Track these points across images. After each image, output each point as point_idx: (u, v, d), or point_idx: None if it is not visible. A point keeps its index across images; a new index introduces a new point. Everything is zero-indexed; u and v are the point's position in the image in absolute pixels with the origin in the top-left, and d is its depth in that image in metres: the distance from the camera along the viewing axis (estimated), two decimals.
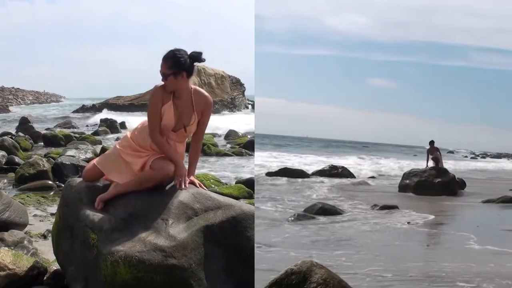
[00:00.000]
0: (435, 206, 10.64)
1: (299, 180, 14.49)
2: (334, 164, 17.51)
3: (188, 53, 3.55)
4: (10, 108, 43.94)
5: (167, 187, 3.56)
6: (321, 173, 15.93)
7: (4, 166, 10.59)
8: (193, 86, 3.65)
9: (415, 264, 5.27)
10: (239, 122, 26.31)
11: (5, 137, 14.12)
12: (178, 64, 3.50)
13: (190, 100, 3.61)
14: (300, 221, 7.33)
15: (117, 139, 4.05)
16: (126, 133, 3.83)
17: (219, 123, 23.58)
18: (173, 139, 3.62)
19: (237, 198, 6.89)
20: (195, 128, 3.68)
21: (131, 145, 3.64)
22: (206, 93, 3.71)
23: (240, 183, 9.34)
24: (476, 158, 46.29)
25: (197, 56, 3.56)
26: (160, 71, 3.53)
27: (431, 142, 13.95)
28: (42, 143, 17.00)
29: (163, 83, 3.57)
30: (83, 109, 40.10)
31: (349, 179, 15.62)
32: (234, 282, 3.30)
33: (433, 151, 13.85)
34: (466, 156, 50.03)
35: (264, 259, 5.06)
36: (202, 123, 3.71)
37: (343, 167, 16.77)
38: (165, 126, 3.57)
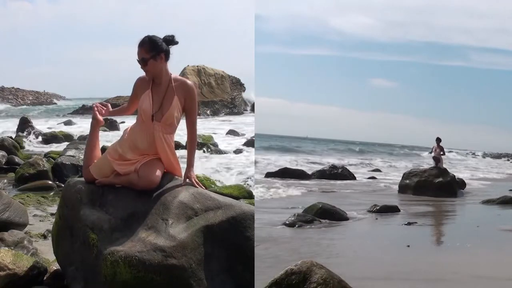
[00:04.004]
0: (435, 206, 10.64)
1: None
2: (335, 164, 17.48)
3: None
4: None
5: (167, 187, 3.56)
6: (321, 173, 15.90)
7: (4, 166, 10.60)
8: (173, 74, 3.68)
9: (415, 265, 5.27)
10: None
11: (5, 137, 14.13)
12: (156, 46, 3.57)
13: (170, 87, 3.63)
14: (300, 222, 7.32)
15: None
16: (115, 146, 3.78)
17: None
18: (158, 130, 3.61)
19: (237, 198, 6.89)
20: (176, 114, 3.63)
21: (121, 156, 3.66)
22: (185, 79, 3.74)
23: (240, 183, 9.35)
24: (476, 158, 46.25)
25: (171, 39, 3.64)
26: (138, 58, 3.58)
27: (438, 139, 13.89)
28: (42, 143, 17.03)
29: (143, 75, 3.64)
30: (83, 109, 40.10)
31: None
32: (234, 282, 3.30)
33: (437, 149, 13.78)
34: (466, 155, 50.04)
35: (264, 259, 5.06)
36: (189, 110, 3.70)
37: (343, 167, 16.76)
38: (144, 111, 3.61)
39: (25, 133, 17.97)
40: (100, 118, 3.98)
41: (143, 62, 3.57)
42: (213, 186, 8.71)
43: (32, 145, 16.60)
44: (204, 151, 15.06)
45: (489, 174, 23.43)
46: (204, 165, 12.76)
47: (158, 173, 3.57)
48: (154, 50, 3.56)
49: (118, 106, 4.24)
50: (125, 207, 3.44)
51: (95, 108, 4.01)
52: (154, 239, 3.17)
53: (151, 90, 3.65)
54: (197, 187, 3.60)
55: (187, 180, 3.63)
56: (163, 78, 3.64)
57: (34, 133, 18.39)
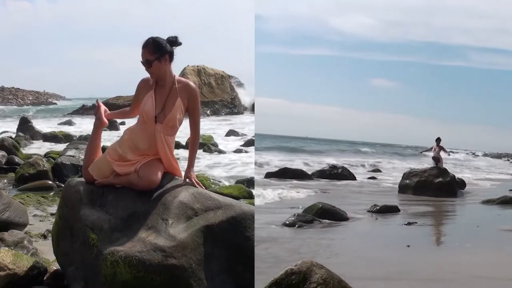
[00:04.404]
0: (435, 206, 10.64)
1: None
2: (334, 164, 17.46)
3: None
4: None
5: (167, 187, 3.56)
6: (321, 173, 15.90)
7: (4, 166, 10.59)
8: (176, 76, 3.68)
9: (415, 265, 5.27)
10: None
11: (5, 137, 14.14)
12: (160, 47, 3.56)
13: (174, 89, 3.62)
14: (300, 222, 7.32)
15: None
16: (114, 146, 3.75)
17: None
18: (160, 131, 3.60)
19: (237, 198, 6.89)
20: (178, 116, 3.62)
21: (121, 156, 3.66)
22: (188, 81, 3.73)
23: (240, 183, 9.35)
24: (479, 158, 46.23)
25: (174, 41, 3.63)
26: (142, 60, 3.57)
27: (437, 139, 13.87)
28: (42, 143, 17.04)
29: (147, 77, 3.64)
30: (83, 109, 40.13)
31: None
32: (234, 282, 3.30)
33: (436, 149, 13.75)
34: (466, 155, 50.07)
35: (264, 259, 5.06)
36: (192, 112, 3.70)
37: (343, 167, 16.74)
38: (146, 112, 3.60)
39: (24, 133, 17.97)
40: (105, 119, 3.95)
41: (147, 63, 3.55)
42: (213, 186, 8.71)
43: (32, 145, 16.60)
44: (203, 151, 15.09)
45: (497, 174, 23.36)
46: (204, 165, 12.77)
47: (159, 173, 3.56)
48: (158, 51, 3.54)
49: (119, 106, 4.21)
50: (125, 207, 3.44)
51: (101, 108, 3.97)
52: (154, 239, 3.17)
53: (154, 91, 3.64)
54: (197, 187, 3.60)
55: (187, 180, 3.63)
56: (167, 79, 3.63)
57: (34, 133, 18.41)
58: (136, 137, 3.65)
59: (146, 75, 3.68)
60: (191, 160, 3.73)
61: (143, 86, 3.69)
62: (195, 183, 3.62)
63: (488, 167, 29.74)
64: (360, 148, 43.27)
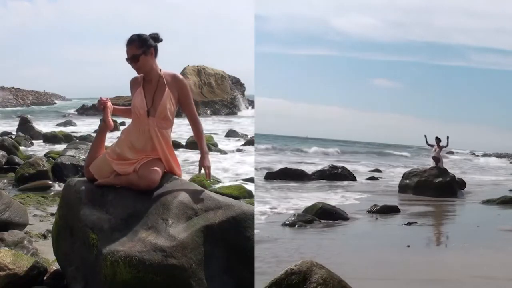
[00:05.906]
0: (435, 206, 10.64)
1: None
2: (334, 165, 17.44)
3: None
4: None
5: (167, 187, 3.56)
6: (321, 173, 15.88)
7: (4, 166, 10.59)
8: (162, 70, 3.71)
9: (415, 265, 5.27)
10: None
11: (5, 137, 14.14)
12: (145, 42, 3.62)
13: (161, 82, 3.66)
14: (300, 222, 7.32)
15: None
16: (113, 146, 3.78)
17: None
18: (153, 125, 3.62)
19: (237, 198, 6.90)
20: (168, 105, 3.63)
21: (120, 155, 3.67)
22: (175, 73, 3.76)
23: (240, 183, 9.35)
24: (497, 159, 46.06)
25: (156, 37, 3.69)
26: (128, 56, 3.60)
27: (437, 139, 13.85)
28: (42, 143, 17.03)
29: (135, 76, 3.71)
30: (83, 109, 40.14)
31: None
32: (234, 282, 3.30)
33: (436, 149, 13.73)
34: (469, 153, 50.05)
35: (264, 259, 5.06)
36: (185, 101, 3.73)
37: (343, 167, 16.72)
38: (137, 108, 3.63)
39: (24, 133, 17.97)
40: (111, 122, 3.89)
41: (134, 59, 3.59)
42: (213, 186, 8.71)
43: (31, 145, 16.59)
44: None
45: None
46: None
47: (158, 172, 3.57)
48: (144, 45, 3.60)
49: (118, 106, 4.21)
50: (125, 207, 3.44)
51: (107, 110, 3.89)
52: (154, 239, 3.17)
53: (143, 87, 3.68)
54: (207, 179, 3.63)
55: (202, 169, 3.68)
56: (154, 74, 3.68)
57: (34, 133, 18.41)
58: (132, 136, 3.67)
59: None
60: (202, 147, 3.75)
61: (133, 84, 3.75)
62: (207, 174, 3.68)
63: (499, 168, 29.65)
64: (384, 150, 42.50)
